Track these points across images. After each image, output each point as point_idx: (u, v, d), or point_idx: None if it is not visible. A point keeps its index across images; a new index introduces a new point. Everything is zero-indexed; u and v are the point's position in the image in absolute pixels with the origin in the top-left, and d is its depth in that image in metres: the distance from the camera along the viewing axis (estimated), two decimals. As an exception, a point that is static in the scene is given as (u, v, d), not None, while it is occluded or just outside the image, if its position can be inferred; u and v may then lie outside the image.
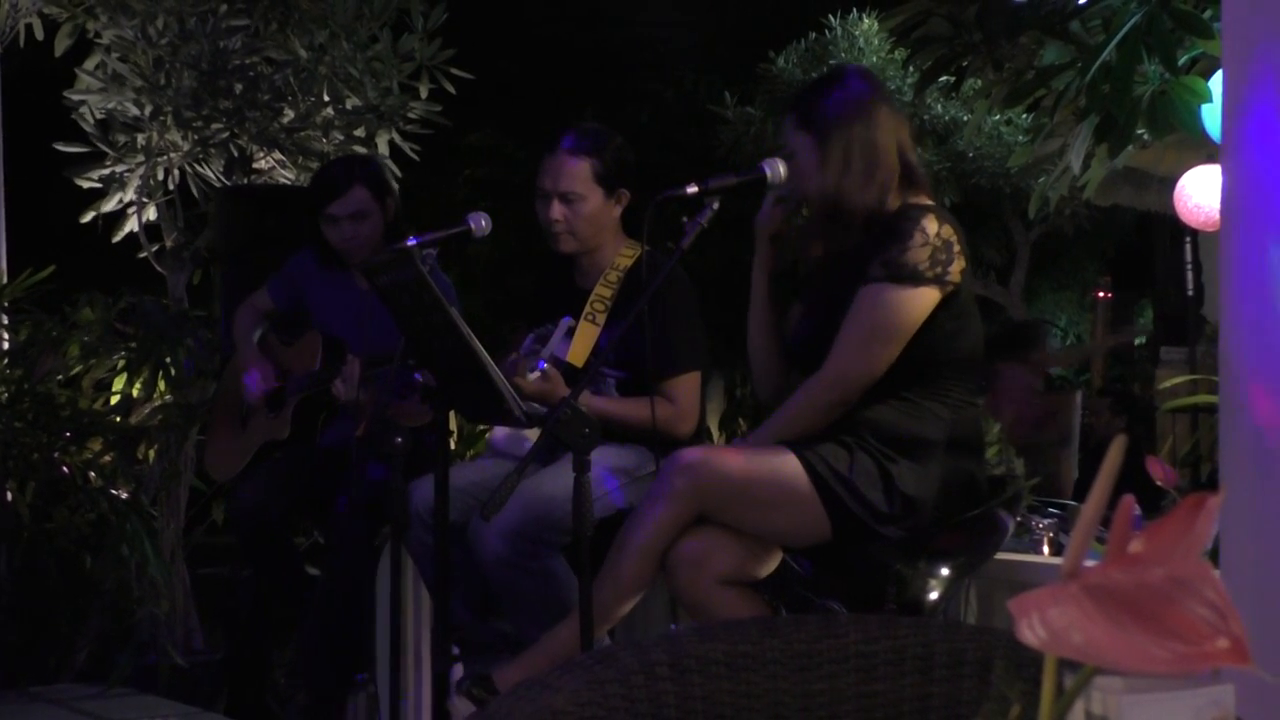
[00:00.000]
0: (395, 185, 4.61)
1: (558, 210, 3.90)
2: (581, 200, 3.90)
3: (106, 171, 6.44)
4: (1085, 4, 4.41)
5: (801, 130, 3.26)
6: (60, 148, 6.50)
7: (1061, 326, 21.11)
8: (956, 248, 3.13)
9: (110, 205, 6.50)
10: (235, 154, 6.46)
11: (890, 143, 3.26)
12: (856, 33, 12.16)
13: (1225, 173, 2.25)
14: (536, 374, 3.60)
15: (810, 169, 3.25)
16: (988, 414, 4.10)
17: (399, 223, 4.46)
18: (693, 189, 3.22)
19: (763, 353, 3.46)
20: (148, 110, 6.31)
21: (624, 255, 3.97)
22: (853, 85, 3.30)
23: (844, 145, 3.20)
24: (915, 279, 3.09)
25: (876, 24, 11.56)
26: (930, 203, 3.23)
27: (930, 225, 3.11)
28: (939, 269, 3.10)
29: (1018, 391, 9.74)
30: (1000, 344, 10.61)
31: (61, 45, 6.51)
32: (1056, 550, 3.83)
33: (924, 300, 3.11)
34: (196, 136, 6.35)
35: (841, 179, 3.19)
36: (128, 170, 6.41)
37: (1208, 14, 4.02)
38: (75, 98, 6.42)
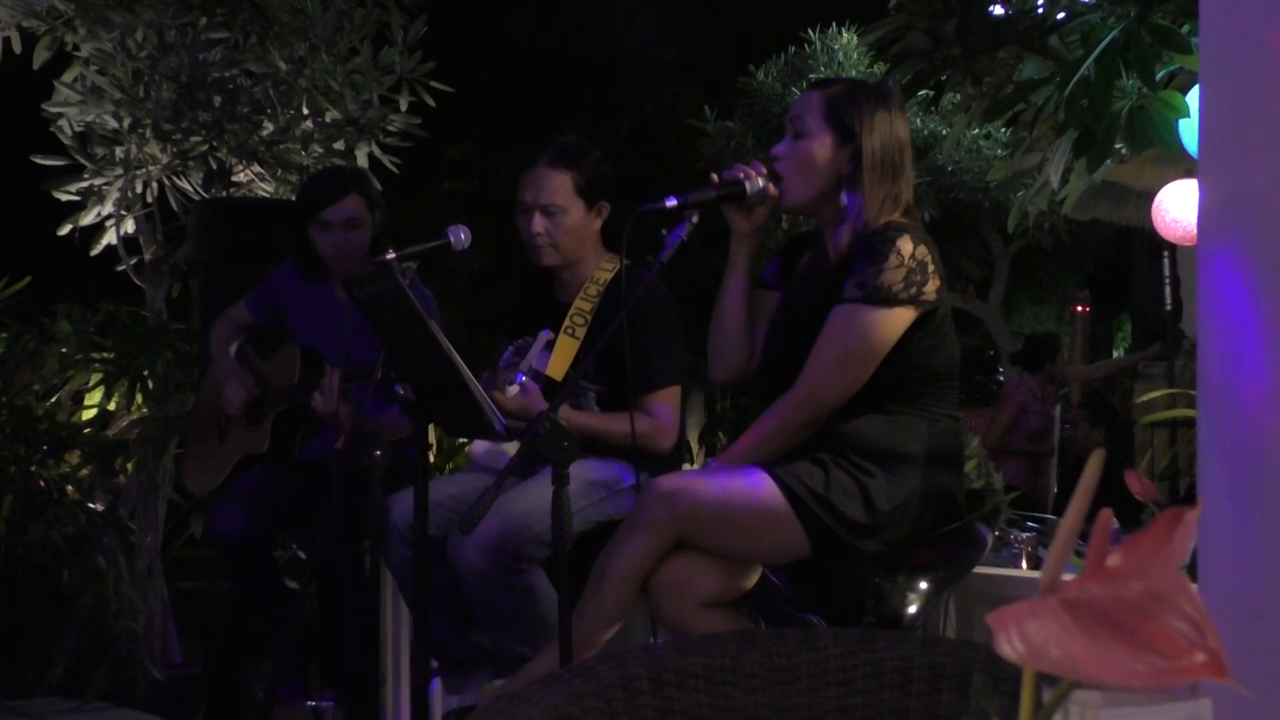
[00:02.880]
0: (383, 201, 4.62)
1: (539, 223, 3.90)
2: (563, 213, 3.90)
3: (85, 184, 6.42)
4: (1064, 19, 4.42)
5: (829, 128, 3.24)
6: (38, 160, 6.49)
7: (1041, 340, 21.15)
8: (931, 267, 3.14)
9: (89, 218, 6.48)
10: (214, 167, 6.45)
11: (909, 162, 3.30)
12: (836, 47, 12.20)
13: (1202, 187, 2.26)
14: (515, 387, 3.58)
15: (815, 167, 3.24)
16: (969, 427, 4.11)
17: (382, 237, 4.46)
18: (672, 202, 3.20)
19: (731, 333, 3.43)
20: (126, 123, 6.30)
21: (604, 269, 3.97)
22: (893, 102, 3.30)
23: (878, 160, 3.21)
24: (889, 300, 3.09)
25: (856, 38, 11.60)
26: (907, 221, 3.22)
27: (906, 246, 3.11)
28: (914, 289, 3.10)
29: (1021, 397, 9.79)
30: (1017, 356, 10.68)
31: (40, 58, 6.50)
32: (1035, 564, 3.84)
33: (898, 320, 3.11)
34: (175, 149, 6.34)
35: (871, 194, 3.19)
36: (106, 183, 6.40)
37: (1185, 29, 4.04)
38: (54, 110, 6.40)
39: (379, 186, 4.64)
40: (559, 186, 3.90)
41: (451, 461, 7.09)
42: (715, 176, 3.33)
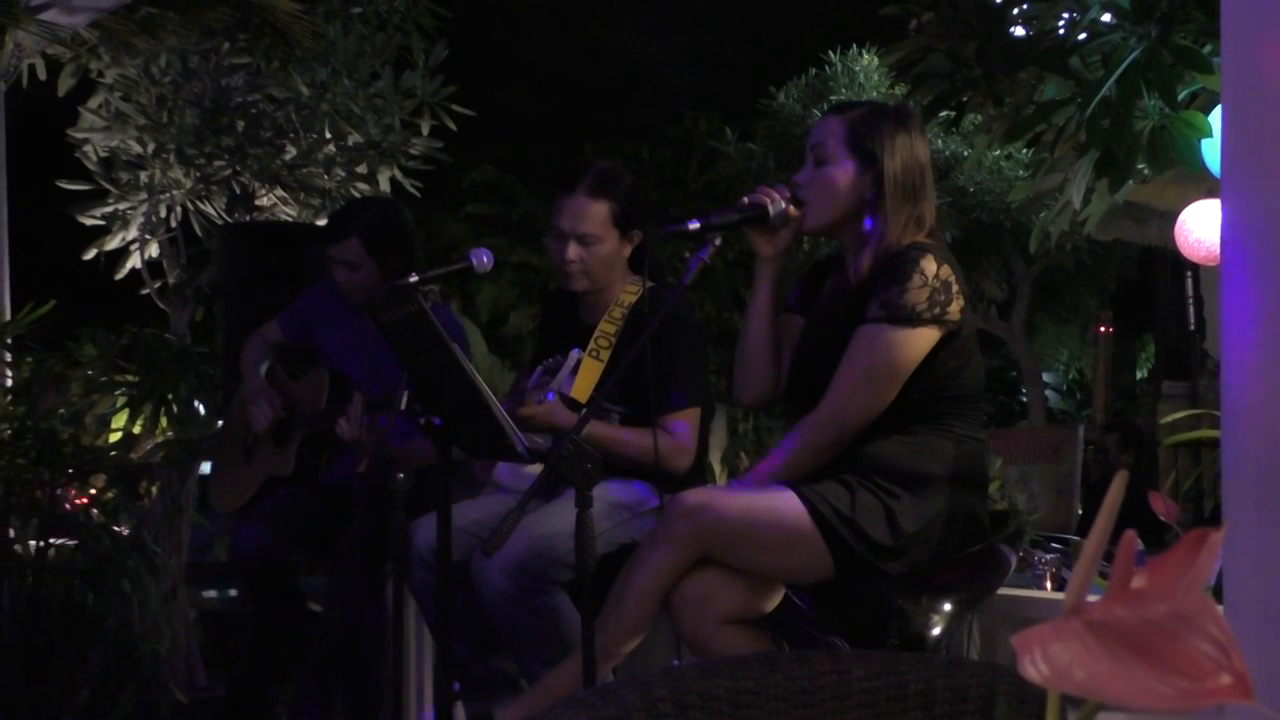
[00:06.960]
0: (406, 236, 4.52)
1: (574, 251, 3.88)
2: (598, 242, 3.88)
3: (109, 209, 6.47)
4: (1085, 39, 4.42)
5: (850, 153, 3.24)
6: (64, 185, 6.53)
7: (1063, 361, 21.14)
8: (955, 287, 3.12)
9: (113, 243, 6.53)
10: (237, 191, 6.49)
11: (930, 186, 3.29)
12: (857, 68, 12.22)
13: (1225, 207, 2.26)
14: (544, 404, 3.59)
15: (838, 192, 3.24)
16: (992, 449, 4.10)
17: (410, 269, 4.39)
18: (695, 224, 3.20)
19: (757, 357, 3.43)
20: (150, 148, 6.34)
21: (628, 291, 3.96)
22: (914, 124, 3.29)
23: (899, 183, 3.20)
24: (913, 320, 3.08)
25: (877, 60, 11.62)
26: (931, 242, 3.21)
27: (929, 266, 3.10)
28: (938, 309, 3.09)
29: None
30: None
31: (65, 84, 6.54)
32: (1059, 585, 3.82)
33: (922, 340, 3.11)
34: (199, 174, 6.38)
35: (893, 218, 3.18)
36: (130, 208, 6.44)
37: (1207, 49, 4.04)
38: (79, 136, 6.45)
39: (403, 220, 4.56)
40: (596, 215, 3.88)
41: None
42: (746, 200, 3.33)
